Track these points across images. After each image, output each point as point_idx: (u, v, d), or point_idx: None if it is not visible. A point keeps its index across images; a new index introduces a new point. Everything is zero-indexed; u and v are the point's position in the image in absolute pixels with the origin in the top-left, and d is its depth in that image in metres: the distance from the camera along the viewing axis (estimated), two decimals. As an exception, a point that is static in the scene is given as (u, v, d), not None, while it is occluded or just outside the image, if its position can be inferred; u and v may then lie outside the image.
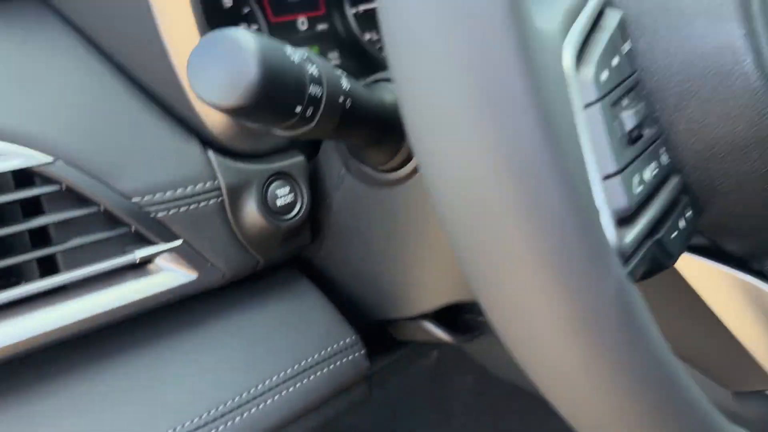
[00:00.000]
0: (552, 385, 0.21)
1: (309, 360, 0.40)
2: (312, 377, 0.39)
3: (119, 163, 0.34)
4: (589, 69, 0.22)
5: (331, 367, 0.40)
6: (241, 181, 0.38)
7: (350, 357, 0.41)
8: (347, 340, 0.42)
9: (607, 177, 0.21)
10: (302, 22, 0.54)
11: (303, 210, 0.40)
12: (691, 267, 0.30)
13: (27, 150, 0.32)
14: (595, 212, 0.20)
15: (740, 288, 0.30)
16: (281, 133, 0.29)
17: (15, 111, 0.33)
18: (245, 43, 0.24)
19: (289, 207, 0.40)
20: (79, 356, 0.36)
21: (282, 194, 0.39)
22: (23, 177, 0.33)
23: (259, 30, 0.52)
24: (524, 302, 0.19)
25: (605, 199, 0.21)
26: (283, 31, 0.53)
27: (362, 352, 0.42)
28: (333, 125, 0.29)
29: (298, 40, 0.55)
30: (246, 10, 0.51)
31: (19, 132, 0.32)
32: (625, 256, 0.20)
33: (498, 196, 0.18)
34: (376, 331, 0.51)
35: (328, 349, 0.41)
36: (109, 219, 0.35)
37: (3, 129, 0.32)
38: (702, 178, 0.26)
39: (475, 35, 0.18)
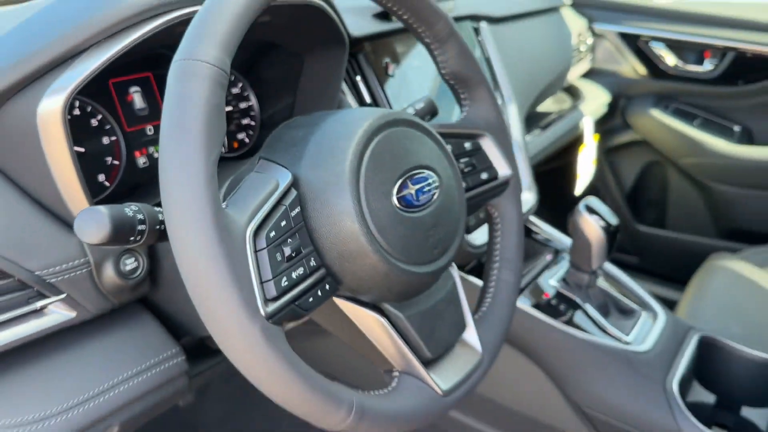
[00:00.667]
0: (242, 368, 0.47)
1: (146, 363, 0.65)
2: (147, 374, 0.64)
3: (27, 252, 0.58)
4: (263, 231, 0.49)
5: (161, 368, 0.66)
6: (102, 257, 0.62)
7: (173, 361, 0.67)
8: (172, 351, 0.67)
9: (264, 282, 0.48)
10: (149, 129, 0.78)
11: (142, 271, 0.65)
12: (347, 307, 0.58)
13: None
14: (254, 298, 0.47)
15: (369, 317, 0.58)
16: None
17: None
18: (104, 213, 0.48)
19: (134, 270, 0.64)
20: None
21: (129, 263, 0.64)
22: None
23: (117, 139, 0.75)
24: (225, 340, 0.45)
25: (260, 293, 0.47)
26: (136, 137, 0.77)
27: (182, 357, 0.68)
28: (156, 239, 0.54)
29: (147, 142, 0.78)
30: (107, 126, 0.74)
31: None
32: (269, 317, 0.47)
33: (215, 320, 0.45)
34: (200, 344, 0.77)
35: (159, 357, 0.66)
36: (21, 283, 0.58)
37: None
38: (337, 269, 0.54)
39: (195, 230, 0.44)
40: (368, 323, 0.59)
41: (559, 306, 1.02)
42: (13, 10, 0.66)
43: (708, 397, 0.98)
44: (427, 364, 0.60)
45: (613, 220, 0.95)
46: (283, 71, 0.87)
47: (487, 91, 0.73)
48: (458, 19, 1.12)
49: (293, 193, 0.53)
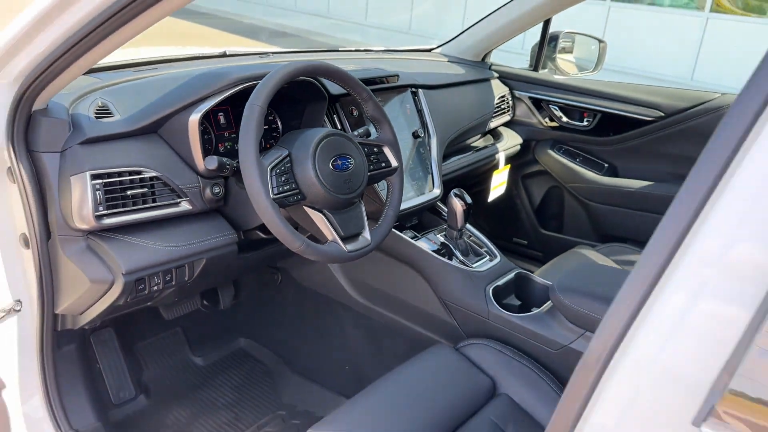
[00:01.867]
0: (262, 217, 1.21)
1: (219, 234, 1.38)
2: (219, 239, 1.38)
3: (176, 176, 1.32)
4: (275, 170, 1.23)
5: (225, 237, 1.39)
6: (205, 184, 1.36)
7: (231, 236, 1.40)
8: (230, 232, 1.40)
9: (272, 187, 1.21)
10: (226, 134, 1.52)
11: (222, 193, 1.40)
12: (309, 210, 1.31)
13: (152, 171, 1.30)
14: (268, 191, 1.20)
15: (318, 215, 1.31)
16: (221, 175, 1.30)
17: (152, 160, 1.30)
18: (215, 158, 1.23)
19: (218, 192, 1.39)
20: (151, 224, 1.34)
21: (216, 188, 1.38)
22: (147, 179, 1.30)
23: (211, 137, 1.50)
24: (257, 205, 1.19)
25: (270, 190, 1.20)
26: (221, 137, 1.51)
27: (234, 235, 1.41)
28: (233, 173, 1.28)
29: (225, 140, 1.53)
30: (208, 129, 1.49)
31: (151, 165, 1.30)
32: (273, 199, 1.20)
33: (253, 197, 1.19)
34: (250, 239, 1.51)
35: (225, 233, 1.39)
36: (172, 191, 1.33)
37: (146, 164, 1.29)
38: (304, 191, 1.26)
39: (251, 182, 1.18)
40: (317, 218, 1.32)
41: (439, 247, 1.74)
42: (177, 75, 1.43)
43: (516, 302, 1.68)
44: (343, 239, 1.33)
45: (468, 201, 1.67)
46: (295, 109, 1.62)
47: (388, 126, 1.47)
48: (401, 86, 1.87)
49: (288, 158, 1.27)
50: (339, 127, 1.65)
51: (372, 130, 1.51)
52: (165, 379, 1.87)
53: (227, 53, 1.94)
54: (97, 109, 1.33)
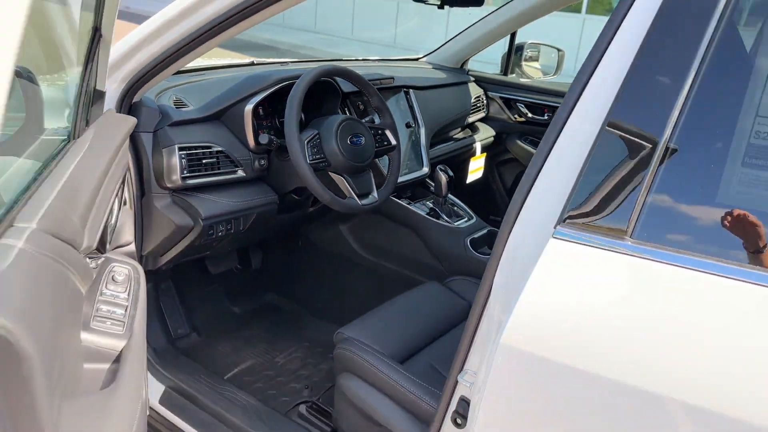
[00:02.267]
0: (302, 179, 1.68)
1: (265, 195, 1.85)
2: (264, 198, 1.84)
3: (235, 151, 1.78)
4: (310, 143, 1.69)
5: (268, 198, 1.85)
6: (253, 158, 1.82)
7: (273, 197, 1.86)
8: (272, 193, 1.86)
9: (308, 155, 1.68)
10: (265, 122, 1.99)
11: (266, 164, 1.86)
12: (332, 175, 1.78)
13: (219, 146, 1.77)
14: (306, 157, 1.66)
15: (339, 177, 1.77)
16: (266, 147, 1.77)
17: (218, 139, 1.77)
18: (267, 135, 1.70)
19: (263, 164, 1.85)
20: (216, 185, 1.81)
21: (262, 162, 1.85)
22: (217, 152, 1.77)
23: (254, 125, 1.96)
24: (297, 167, 1.65)
25: (307, 156, 1.67)
26: (261, 125, 1.98)
27: (275, 197, 1.87)
28: (278, 148, 1.75)
29: (264, 127, 1.99)
30: (253, 118, 1.95)
31: (217, 142, 1.76)
32: (309, 163, 1.67)
33: (295, 162, 1.66)
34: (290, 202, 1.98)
35: (269, 194, 1.86)
36: (231, 162, 1.79)
37: (214, 141, 1.76)
38: (329, 159, 1.73)
39: (294, 151, 1.65)
40: (339, 180, 1.78)
41: (429, 211, 2.21)
42: (226, 78, 1.90)
43: (488, 251, 2.15)
44: (358, 196, 1.80)
45: (450, 174, 2.15)
46: (315, 103, 2.09)
47: (389, 114, 1.95)
48: (395, 87, 2.35)
49: (317, 136, 1.74)
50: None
51: (376, 118, 1.98)
52: (210, 322, 2.31)
53: (254, 62, 2.41)
54: (175, 101, 1.79)
